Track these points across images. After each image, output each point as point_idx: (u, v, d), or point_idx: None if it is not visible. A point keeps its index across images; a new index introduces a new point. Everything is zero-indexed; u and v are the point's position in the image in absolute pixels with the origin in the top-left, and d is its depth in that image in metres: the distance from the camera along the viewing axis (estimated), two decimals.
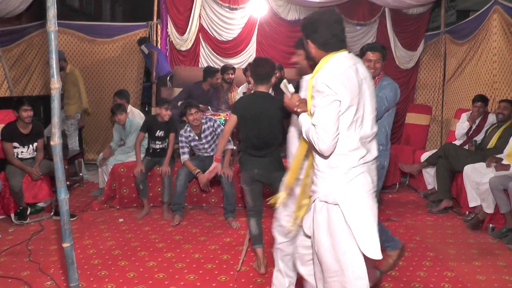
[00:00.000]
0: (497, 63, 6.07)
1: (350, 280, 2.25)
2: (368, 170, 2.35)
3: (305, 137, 2.29)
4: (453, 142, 5.84)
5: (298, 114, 2.39)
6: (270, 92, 3.72)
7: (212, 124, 5.17)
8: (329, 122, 2.13)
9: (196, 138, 5.17)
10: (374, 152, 2.43)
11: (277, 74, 6.35)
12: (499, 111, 5.36)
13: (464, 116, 5.93)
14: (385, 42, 7.85)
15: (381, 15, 7.88)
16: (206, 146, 5.22)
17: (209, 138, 5.20)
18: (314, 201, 2.36)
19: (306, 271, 2.65)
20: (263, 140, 3.57)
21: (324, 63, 2.27)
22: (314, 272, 2.50)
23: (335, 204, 2.24)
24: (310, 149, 2.38)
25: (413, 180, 6.64)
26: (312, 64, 2.64)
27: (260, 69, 3.55)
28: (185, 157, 5.12)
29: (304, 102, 2.38)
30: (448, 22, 7.95)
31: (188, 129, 5.17)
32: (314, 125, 2.19)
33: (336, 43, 2.29)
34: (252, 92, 3.84)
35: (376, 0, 7.52)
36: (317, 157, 2.32)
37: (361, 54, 3.55)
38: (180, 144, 5.19)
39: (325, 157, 2.25)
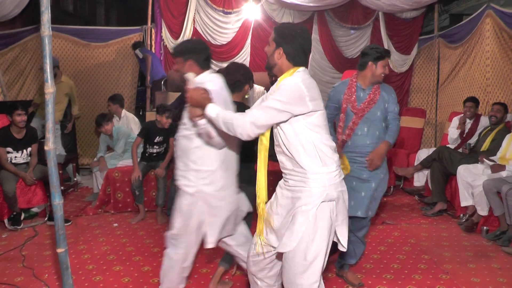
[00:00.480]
0: (490, 67, 6.11)
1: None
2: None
3: (221, 124, 2.35)
4: (447, 145, 5.87)
5: (204, 105, 2.42)
6: (244, 100, 3.54)
7: None
8: (268, 116, 2.26)
9: None
10: None
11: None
12: (492, 114, 5.39)
13: (456, 120, 5.96)
14: (378, 45, 7.89)
15: (375, 19, 7.93)
16: None
17: None
18: (307, 207, 2.30)
19: (257, 272, 2.64)
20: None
21: (290, 72, 2.38)
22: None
23: (332, 201, 2.33)
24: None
25: (407, 183, 6.66)
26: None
27: (229, 76, 3.31)
28: None
29: (207, 94, 2.46)
30: (442, 26, 8.00)
31: None
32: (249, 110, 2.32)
33: (303, 60, 2.43)
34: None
35: (370, 4, 7.56)
36: (304, 160, 2.33)
37: (376, 58, 3.40)
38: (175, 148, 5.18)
39: (313, 158, 2.32)
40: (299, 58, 2.40)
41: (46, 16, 2.06)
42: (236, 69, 3.42)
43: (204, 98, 2.43)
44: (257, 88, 6.34)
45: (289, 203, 2.42)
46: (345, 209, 2.46)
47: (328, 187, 2.32)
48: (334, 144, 2.44)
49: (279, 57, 2.41)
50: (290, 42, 2.38)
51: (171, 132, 5.37)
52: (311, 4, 7.13)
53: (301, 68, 2.40)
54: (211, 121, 2.45)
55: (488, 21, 6.11)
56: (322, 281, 2.44)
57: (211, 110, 2.39)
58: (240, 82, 3.40)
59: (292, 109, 2.26)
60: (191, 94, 2.46)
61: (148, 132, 5.35)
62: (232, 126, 2.29)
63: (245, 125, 2.26)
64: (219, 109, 2.40)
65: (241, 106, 3.30)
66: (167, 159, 5.32)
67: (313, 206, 2.29)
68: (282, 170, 2.48)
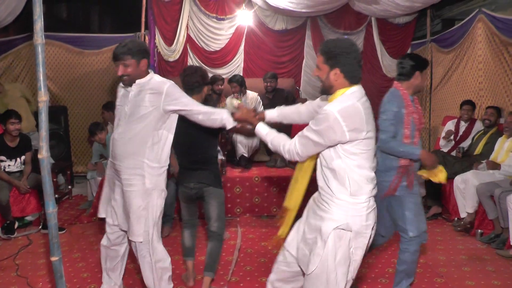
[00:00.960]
0: (483, 71, 6.16)
1: None
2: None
3: (272, 145, 2.50)
4: (440, 149, 5.89)
5: (254, 125, 2.61)
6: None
7: None
8: (308, 147, 2.33)
9: None
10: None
11: (271, 84, 6.39)
12: (485, 117, 5.43)
13: (450, 123, 5.99)
14: (371, 51, 7.94)
15: (368, 24, 7.97)
16: None
17: None
18: (325, 229, 2.29)
19: (275, 282, 2.64)
20: (196, 154, 3.49)
21: (342, 91, 2.30)
22: None
23: (349, 232, 2.28)
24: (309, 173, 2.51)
25: None
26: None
27: (187, 78, 3.48)
28: (173, 169, 5.11)
29: (252, 113, 2.70)
30: (434, 31, 8.04)
31: None
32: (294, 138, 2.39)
33: (360, 76, 2.34)
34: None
35: (363, 10, 7.60)
36: (334, 184, 2.31)
37: (423, 67, 3.36)
38: None
39: (342, 182, 2.28)
40: (357, 72, 2.31)
41: (39, 24, 2.06)
42: (193, 72, 3.50)
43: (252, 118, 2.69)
44: (251, 94, 6.34)
45: (312, 221, 2.41)
46: (365, 245, 2.38)
47: (351, 217, 2.27)
48: (372, 175, 2.34)
49: (336, 78, 2.30)
50: (344, 60, 2.27)
51: None
52: (304, 10, 7.16)
53: (352, 89, 2.30)
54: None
55: (480, 25, 6.16)
56: None
57: (262, 129, 2.57)
58: (198, 84, 3.48)
59: (327, 141, 2.24)
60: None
61: None
62: (281, 150, 2.43)
63: (292, 154, 2.38)
64: (269, 129, 2.56)
65: None
66: None
67: (330, 230, 2.26)
68: (317, 183, 2.44)
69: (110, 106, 6.18)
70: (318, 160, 2.40)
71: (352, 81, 2.30)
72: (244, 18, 7.69)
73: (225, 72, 7.78)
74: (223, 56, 7.84)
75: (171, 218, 5.10)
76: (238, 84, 6.16)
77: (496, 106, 5.54)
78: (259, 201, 5.59)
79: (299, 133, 2.37)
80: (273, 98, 6.41)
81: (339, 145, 2.24)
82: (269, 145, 2.51)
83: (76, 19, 10.09)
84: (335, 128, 2.18)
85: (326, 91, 2.39)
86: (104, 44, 7.67)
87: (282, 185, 5.42)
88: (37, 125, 6.36)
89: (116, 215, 3.12)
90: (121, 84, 3.16)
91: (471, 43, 6.42)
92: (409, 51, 8.02)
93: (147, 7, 7.45)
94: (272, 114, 2.93)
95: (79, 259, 4.30)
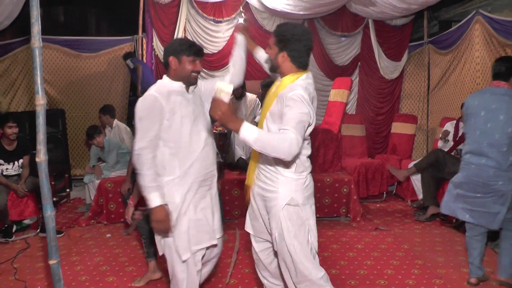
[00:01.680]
0: (480, 72, 6.17)
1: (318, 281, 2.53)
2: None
3: (257, 147, 2.19)
4: (441, 148, 5.89)
5: (238, 127, 2.20)
6: None
7: None
8: (303, 131, 2.28)
9: None
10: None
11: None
12: None
13: (449, 125, 5.99)
14: (369, 52, 7.95)
15: (365, 26, 7.97)
16: None
17: None
18: (276, 206, 2.50)
19: (267, 275, 2.87)
20: None
21: (294, 78, 2.43)
22: (284, 279, 2.65)
23: (297, 206, 2.48)
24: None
25: (400, 189, 6.69)
26: None
27: None
28: None
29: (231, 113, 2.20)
30: (431, 32, 8.06)
31: None
32: (285, 129, 2.22)
33: (306, 60, 2.49)
34: None
35: (360, 12, 7.62)
36: (280, 162, 2.44)
37: None
38: None
39: (289, 163, 2.45)
40: (303, 59, 2.46)
41: (36, 27, 2.06)
42: None
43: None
44: (249, 96, 6.35)
45: (261, 204, 2.61)
46: (313, 213, 2.60)
47: (295, 192, 2.49)
48: (309, 152, 2.58)
49: (282, 60, 2.46)
50: (293, 45, 2.42)
51: None
52: (301, 12, 7.17)
53: (304, 76, 2.46)
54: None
55: (477, 27, 6.17)
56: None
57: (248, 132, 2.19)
58: None
59: (310, 120, 2.36)
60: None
61: None
62: (284, 147, 2.17)
63: (295, 145, 2.18)
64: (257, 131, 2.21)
65: None
66: None
67: (279, 208, 2.47)
68: (259, 164, 2.61)
69: (107, 110, 6.18)
70: None
71: (298, 65, 2.47)
72: (241, 20, 7.69)
73: (222, 74, 7.78)
74: (220, 59, 7.84)
75: None
76: (240, 86, 6.16)
77: None
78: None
79: (287, 125, 2.23)
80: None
81: None
82: (256, 147, 2.21)
83: (73, 22, 10.09)
84: (309, 110, 2.32)
85: (274, 69, 2.58)
86: (101, 47, 7.68)
87: None
88: (33, 128, 6.36)
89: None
90: (177, 91, 2.72)
91: (468, 45, 6.44)
92: (406, 52, 8.03)
93: (145, 10, 7.46)
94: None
95: (77, 263, 4.29)
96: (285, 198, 2.46)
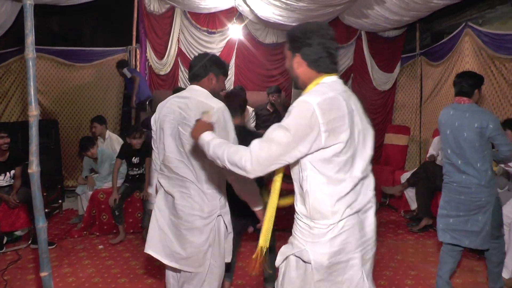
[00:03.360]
0: None
1: None
2: (358, 222, 1.93)
3: (211, 153, 1.94)
4: (432, 160, 5.91)
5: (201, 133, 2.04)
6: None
7: None
8: (278, 148, 1.77)
9: None
10: (368, 194, 2.00)
11: (274, 97, 6.33)
12: None
13: (436, 140, 6.00)
14: (362, 64, 8.01)
15: (358, 38, 8.04)
16: None
17: None
18: (288, 255, 1.99)
19: None
20: None
21: (313, 85, 1.89)
22: None
23: (309, 263, 1.88)
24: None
25: (393, 200, 6.70)
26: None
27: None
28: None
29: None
30: (424, 44, 8.14)
31: None
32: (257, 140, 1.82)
33: (329, 64, 1.92)
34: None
35: (352, 24, 7.68)
36: (298, 203, 1.95)
37: None
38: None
39: (307, 206, 1.87)
40: (322, 61, 1.90)
41: (30, 38, 2.06)
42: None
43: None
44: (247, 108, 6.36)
45: None
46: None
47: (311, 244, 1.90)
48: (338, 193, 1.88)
49: (298, 66, 1.95)
50: (307, 43, 1.90)
51: (147, 151, 5.35)
52: (294, 24, 7.20)
53: (327, 78, 1.90)
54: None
55: (467, 39, 6.24)
56: None
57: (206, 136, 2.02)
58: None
59: (297, 141, 1.77)
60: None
61: (125, 153, 5.34)
62: (225, 160, 1.86)
63: (243, 164, 1.80)
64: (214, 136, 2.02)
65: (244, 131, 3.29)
66: (147, 180, 5.27)
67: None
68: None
69: (104, 120, 6.19)
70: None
71: (319, 70, 1.92)
72: (234, 31, 7.73)
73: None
74: None
75: None
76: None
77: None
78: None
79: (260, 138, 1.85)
80: (274, 111, 6.36)
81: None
82: (209, 155, 1.97)
83: (68, 33, 10.08)
84: (310, 125, 1.75)
85: (295, 83, 2.03)
86: (95, 58, 7.68)
87: None
88: (26, 139, 6.33)
89: None
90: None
91: (459, 57, 6.51)
92: (399, 64, 8.10)
93: (138, 21, 7.48)
94: None
95: (69, 274, 4.25)
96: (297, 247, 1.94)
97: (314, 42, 1.89)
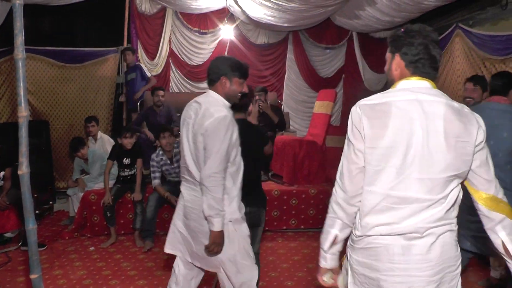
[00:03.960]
0: (461, 84, 6.23)
1: None
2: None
3: None
4: None
5: None
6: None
7: None
8: (345, 166, 1.82)
9: (168, 162, 5.16)
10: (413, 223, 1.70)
11: (262, 97, 6.32)
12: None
13: None
14: (353, 65, 8.04)
15: (349, 39, 8.08)
16: (177, 170, 5.21)
17: None
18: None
19: None
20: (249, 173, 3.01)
21: (394, 86, 1.80)
22: None
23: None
24: None
25: None
26: None
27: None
28: (156, 182, 5.11)
29: None
30: None
31: (160, 152, 5.17)
32: None
33: (428, 67, 1.75)
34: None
35: (344, 25, 7.71)
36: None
37: None
38: (152, 169, 5.17)
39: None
40: (421, 63, 1.74)
41: (19, 38, 2.05)
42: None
43: None
44: None
45: None
46: None
47: None
48: None
49: (396, 67, 1.81)
50: (408, 43, 1.76)
51: (138, 152, 5.34)
52: (286, 25, 7.23)
53: (413, 79, 1.76)
54: None
55: (458, 40, 6.29)
56: None
57: None
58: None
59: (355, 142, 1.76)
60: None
61: (116, 155, 5.32)
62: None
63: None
64: None
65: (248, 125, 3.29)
66: (138, 182, 5.26)
67: None
68: None
69: (98, 120, 6.20)
70: None
71: (414, 72, 1.76)
72: (226, 32, 7.74)
73: (207, 86, 7.80)
74: (205, 70, 7.75)
75: (152, 233, 5.06)
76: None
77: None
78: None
79: None
80: (264, 113, 6.30)
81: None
82: None
83: (59, 33, 10.03)
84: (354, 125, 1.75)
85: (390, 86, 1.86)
86: (86, 58, 7.63)
87: None
88: (16, 140, 6.29)
89: None
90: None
91: (449, 58, 6.55)
92: None
93: (130, 21, 7.45)
94: None
95: (60, 276, 4.23)
96: None
97: (416, 42, 1.74)
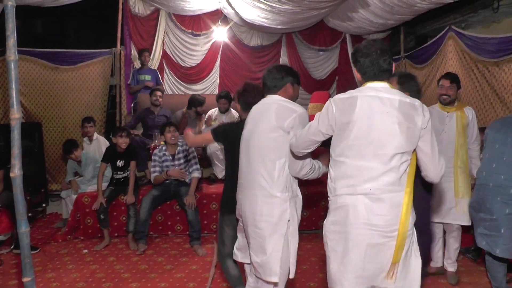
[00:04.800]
0: None
1: None
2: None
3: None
4: None
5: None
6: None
7: (187, 148, 5.20)
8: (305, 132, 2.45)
9: (170, 158, 5.18)
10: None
11: (224, 105, 6.30)
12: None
13: None
14: (346, 67, 8.06)
15: (342, 41, 8.11)
16: (177, 168, 5.21)
17: (181, 160, 5.21)
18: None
19: None
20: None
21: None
22: None
23: None
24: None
25: None
26: None
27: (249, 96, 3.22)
28: (155, 174, 5.12)
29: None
30: (408, 47, 8.21)
31: (163, 148, 5.20)
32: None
33: (376, 74, 2.31)
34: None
35: (337, 27, 7.73)
36: None
37: None
38: (153, 163, 5.20)
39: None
40: (368, 73, 2.32)
41: (11, 40, 2.04)
42: (253, 89, 3.27)
43: None
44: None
45: None
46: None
47: None
48: None
49: (357, 75, 2.41)
50: (355, 60, 2.37)
51: (132, 154, 5.33)
52: (279, 27, 7.24)
53: (372, 83, 2.32)
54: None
55: (451, 42, 6.32)
56: None
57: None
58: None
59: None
60: None
61: (110, 156, 5.31)
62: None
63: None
64: None
65: None
66: (131, 184, 5.23)
67: None
68: None
69: (94, 121, 6.20)
70: None
71: (365, 78, 2.35)
72: (219, 34, 7.74)
73: (201, 88, 7.81)
74: (199, 72, 7.86)
75: (145, 235, 5.04)
76: (228, 101, 6.20)
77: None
78: None
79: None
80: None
81: None
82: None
83: (52, 35, 10.01)
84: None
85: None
86: (79, 60, 7.60)
87: None
88: (9, 142, 6.24)
89: None
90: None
91: (442, 60, 6.58)
92: None
93: (123, 23, 7.44)
94: None
95: (53, 279, 4.20)
96: None
97: (361, 59, 2.33)
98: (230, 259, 3.27)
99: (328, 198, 2.39)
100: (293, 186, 2.78)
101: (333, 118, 2.28)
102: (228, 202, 3.16)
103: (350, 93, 2.31)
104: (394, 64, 2.46)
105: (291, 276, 2.77)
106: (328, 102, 2.34)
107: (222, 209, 3.36)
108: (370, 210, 2.20)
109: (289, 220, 2.69)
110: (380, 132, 2.20)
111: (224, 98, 6.21)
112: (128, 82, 7.28)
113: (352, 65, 2.55)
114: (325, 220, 2.40)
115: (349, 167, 2.26)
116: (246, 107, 3.12)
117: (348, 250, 2.24)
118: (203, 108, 6.29)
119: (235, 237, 3.12)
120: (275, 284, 2.75)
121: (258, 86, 3.27)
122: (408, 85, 3.01)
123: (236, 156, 2.98)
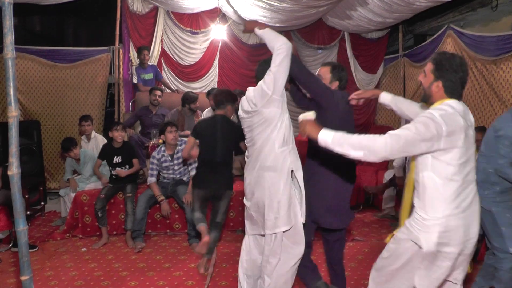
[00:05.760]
0: None
1: None
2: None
3: (336, 146, 2.47)
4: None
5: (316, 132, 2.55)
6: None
7: None
8: (402, 143, 2.29)
9: (169, 158, 5.18)
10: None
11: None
12: None
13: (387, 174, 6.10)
14: (345, 65, 8.04)
15: (341, 39, 8.09)
16: (176, 167, 5.23)
17: (180, 160, 5.20)
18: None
19: None
20: (218, 158, 4.17)
21: (439, 102, 2.35)
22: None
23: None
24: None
25: (377, 200, 6.73)
26: None
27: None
28: (152, 179, 5.13)
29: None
30: (406, 46, 8.21)
31: (163, 149, 5.20)
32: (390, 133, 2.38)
33: (460, 93, 2.37)
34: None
35: (336, 25, 7.72)
36: (416, 197, 2.47)
37: None
38: (151, 166, 5.19)
39: (422, 199, 2.38)
40: (457, 91, 2.35)
41: (9, 37, 2.03)
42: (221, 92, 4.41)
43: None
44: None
45: None
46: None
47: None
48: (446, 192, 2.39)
49: (436, 90, 2.36)
50: (450, 75, 2.32)
51: (130, 152, 5.33)
52: (278, 25, 7.23)
53: (450, 100, 2.33)
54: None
55: (449, 41, 6.32)
56: None
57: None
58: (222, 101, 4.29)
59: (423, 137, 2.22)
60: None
61: (106, 153, 5.31)
62: (366, 146, 2.50)
63: (381, 149, 2.45)
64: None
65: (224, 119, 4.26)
66: (131, 171, 5.36)
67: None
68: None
69: (92, 119, 6.20)
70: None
71: (450, 97, 2.34)
72: (218, 32, 7.72)
73: (199, 86, 7.80)
74: (197, 70, 7.84)
75: (142, 233, 5.04)
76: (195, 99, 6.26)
77: None
78: (234, 215, 5.57)
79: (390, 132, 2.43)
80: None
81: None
82: (340, 149, 2.50)
83: (49, 32, 9.98)
84: (433, 132, 2.20)
85: (426, 99, 2.47)
86: (78, 58, 7.59)
87: None
88: (7, 140, 6.23)
89: None
90: None
91: None
92: (382, 65, 8.16)
93: (121, 21, 7.42)
94: (386, 96, 3.13)
95: (51, 278, 4.19)
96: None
97: (457, 76, 2.32)
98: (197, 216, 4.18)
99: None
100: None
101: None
102: (200, 180, 4.25)
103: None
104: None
105: (303, 220, 3.12)
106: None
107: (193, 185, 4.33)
108: None
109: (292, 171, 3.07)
110: None
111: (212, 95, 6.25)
112: (135, 81, 7.25)
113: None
114: None
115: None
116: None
117: None
118: (196, 105, 6.30)
119: (202, 207, 4.24)
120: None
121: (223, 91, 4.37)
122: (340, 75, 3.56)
123: (206, 141, 4.17)
